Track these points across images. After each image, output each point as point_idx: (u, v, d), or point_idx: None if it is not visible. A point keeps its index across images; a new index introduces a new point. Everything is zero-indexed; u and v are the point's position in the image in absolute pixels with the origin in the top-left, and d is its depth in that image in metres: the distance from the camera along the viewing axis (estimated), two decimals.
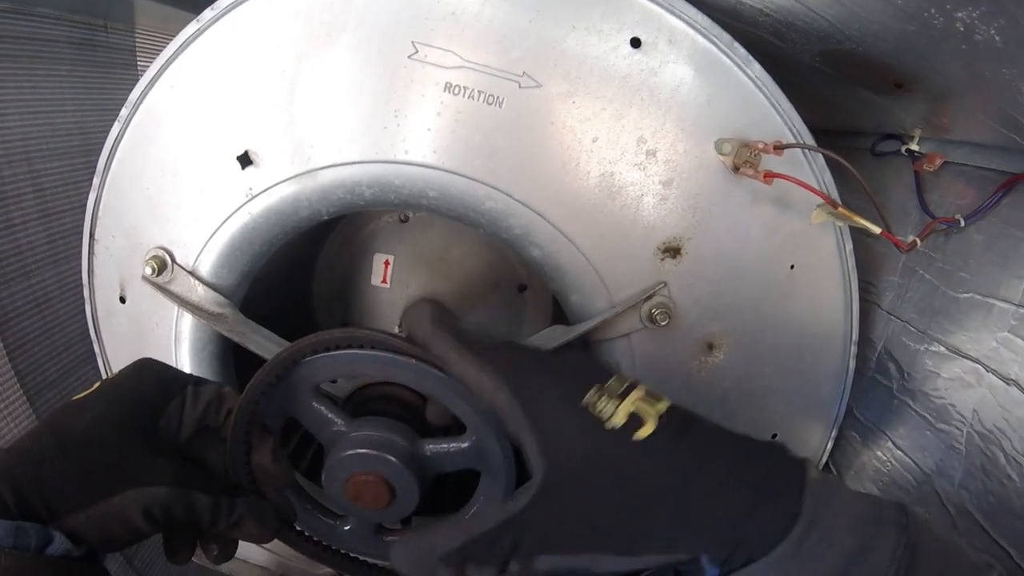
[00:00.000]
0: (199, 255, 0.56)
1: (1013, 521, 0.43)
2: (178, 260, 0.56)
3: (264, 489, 0.42)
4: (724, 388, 0.56)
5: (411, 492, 0.43)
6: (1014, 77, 0.38)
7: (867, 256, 0.62)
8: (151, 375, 0.40)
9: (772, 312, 0.54)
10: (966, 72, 0.42)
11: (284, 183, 0.53)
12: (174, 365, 0.55)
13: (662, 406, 0.32)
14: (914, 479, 0.54)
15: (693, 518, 0.30)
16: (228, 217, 0.54)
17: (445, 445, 0.44)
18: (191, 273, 0.56)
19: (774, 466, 0.31)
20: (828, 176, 0.51)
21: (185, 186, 0.55)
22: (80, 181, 0.72)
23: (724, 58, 0.49)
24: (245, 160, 0.53)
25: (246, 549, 0.74)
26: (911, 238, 0.50)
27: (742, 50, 0.49)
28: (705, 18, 0.48)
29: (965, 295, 0.51)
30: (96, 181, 0.58)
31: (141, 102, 0.54)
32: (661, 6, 0.48)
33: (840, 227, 0.53)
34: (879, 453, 0.59)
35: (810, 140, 0.51)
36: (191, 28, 0.52)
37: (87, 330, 0.64)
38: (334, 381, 0.48)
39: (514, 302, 0.90)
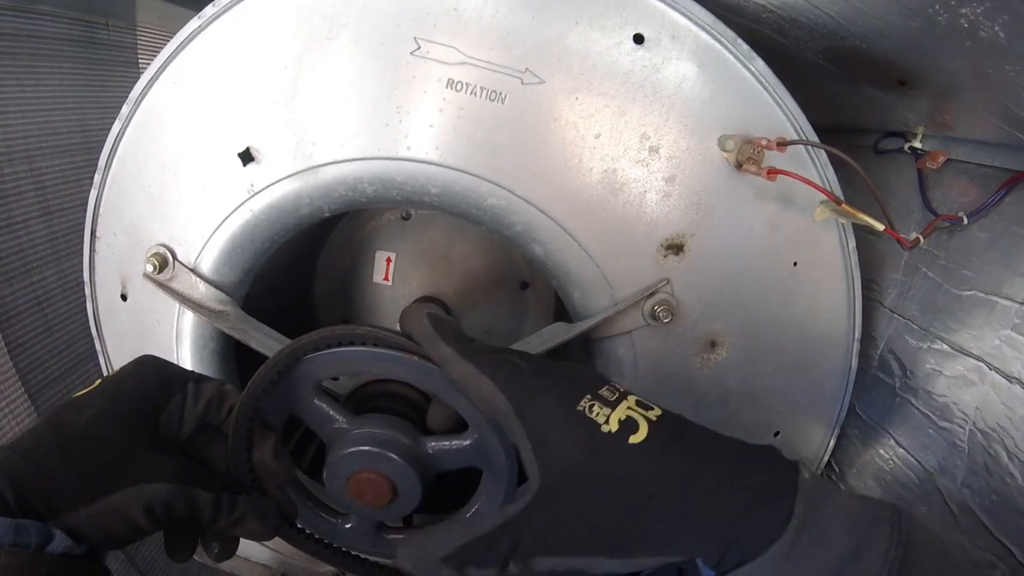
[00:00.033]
0: (200, 252, 0.56)
1: (1015, 519, 0.43)
2: (179, 257, 0.56)
3: (265, 486, 0.42)
4: (726, 386, 0.56)
5: (413, 490, 0.43)
6: (1018, 74, 0.38)
7: (870, 253, 0.62)
8: (152, 372, 0.40)
9: (775, 309, 0.54)
10: (970, 69, 0.42)
11: (286, 180, 0.53)
12: (175, 362, 0.55)
13: (653, 414, 0.33)
14: (916, 477, 0.54)
15: (692, 519, 0.30)
16: (229, 214, 0.54)
17: (447, 443, 0.44)
18: (192, 270, 0.56)
19: (769, 468, 0.31)
20: (831, 173, 0.51)
21: (186, 183, 0.55)
22: (81, 179, 0.72)
23: (727, 54, 0.49)
24: (247, 157, 0.53)
25: (247, 547, 0.74)
26: (914, 235, 0.50)
27: (745, 46, 0.49)
28: (708, 14, 0.48)
29: (968, 293, 0.51)
30: (97, 178, 0.58)
31: (142, 99, 0.54)
32: (664, 2, 0.48)
33: (843, 224, 0.53)
34: (881, 451, 0.59)
35: (813, 137, 0.50)
36: (192, 25, 0.52)
37: (88, 328, 0.64)
38: (336, 378, 0.48)
39: (516, 299, 0.90)
